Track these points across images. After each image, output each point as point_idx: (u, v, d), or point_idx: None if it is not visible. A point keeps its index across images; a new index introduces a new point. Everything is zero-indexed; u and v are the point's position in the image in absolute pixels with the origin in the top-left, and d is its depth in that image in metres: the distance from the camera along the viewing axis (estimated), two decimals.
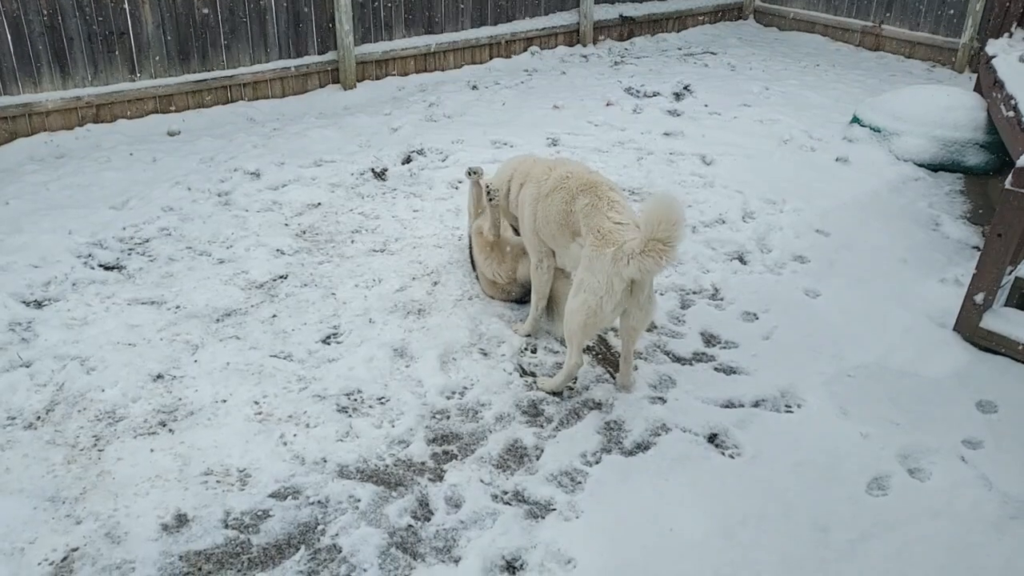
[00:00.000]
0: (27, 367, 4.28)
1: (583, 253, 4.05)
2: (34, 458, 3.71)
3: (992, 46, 7.80)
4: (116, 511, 3.43)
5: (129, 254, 5.49)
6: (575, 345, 4.14)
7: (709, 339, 4.84)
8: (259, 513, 3.47)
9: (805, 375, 4.45)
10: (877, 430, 4.04)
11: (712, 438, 4.01)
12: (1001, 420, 4.16)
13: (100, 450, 3.77)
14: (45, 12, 6.93)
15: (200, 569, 3.20)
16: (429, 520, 3.49)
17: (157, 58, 7.64)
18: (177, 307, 4.89)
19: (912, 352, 4.68)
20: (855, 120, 8.06)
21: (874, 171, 7.23)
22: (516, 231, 4.96)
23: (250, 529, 3.39)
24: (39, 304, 4.87)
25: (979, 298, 4.64)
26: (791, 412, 4.21)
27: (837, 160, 7.45)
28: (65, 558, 3.22)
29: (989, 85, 7.40)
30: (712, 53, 11.22)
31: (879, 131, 7.72)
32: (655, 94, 9.25)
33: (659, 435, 3.99)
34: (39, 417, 3.97)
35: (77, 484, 3.58)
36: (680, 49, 11.43)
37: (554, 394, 4.29)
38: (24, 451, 3.75)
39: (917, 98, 7.76)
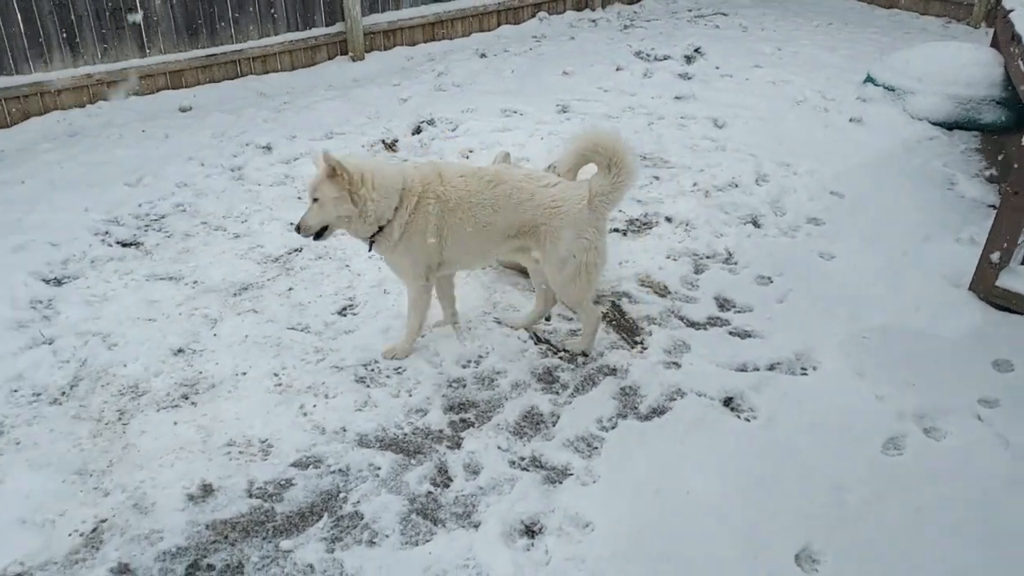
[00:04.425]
0: (49, 344, 4.35)
1: (550, 229, 3.97)
2: (60, 433, 3.78)
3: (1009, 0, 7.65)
4: (143, 483, 3.51)
5: (145, 230, 5.54)
6: (586, 303, 4.19)
7: (723, 303, 4.84)
8: (282, 482, 3.54)
9: (820, 337, 4.45)
10: (893, 391, 4.05)
11: (728, 401, 4.03)
12: (1017, 378, 4.16)
13: (125, 424, 3.85)
14: None
15: (226, 537, 3.28)
16: (448, 487, 3.54)
17: (167, 35, 7.62)
18: (195, 282, 4.94)
19: (927, 312, 4.67)
20: (869, 79, 7.96)
21: (888, 131, 7.16)
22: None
23: (274, 498, 3.46)
24: (59, 282, 4.93)
25: (995, 257, 4.62)
26: (806, 374, 4.23)
27: (851, 120, 7.38)
28: (95, 529, 3.30)
29: (1007, 40, 7.28)
30: (723, 14, 11.08)
31: (893, 90, 7.63)
32: (665, 57, 9.16)
33: (674, 400, 4.02)
34: (64, 393, 4.04)
35: (103, 457, 3.65)
36: (691, 11, 11.29)
37: (583, 355, 4.35)
38: (50, 426, 3.82)
39: (932, 55, 7.65)
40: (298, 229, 3.92)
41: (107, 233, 5.45)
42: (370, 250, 4.12)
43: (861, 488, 3.49)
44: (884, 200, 5.98)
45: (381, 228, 3.97)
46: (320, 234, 3.95)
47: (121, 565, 3.14)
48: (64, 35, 7.10)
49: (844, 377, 4.17)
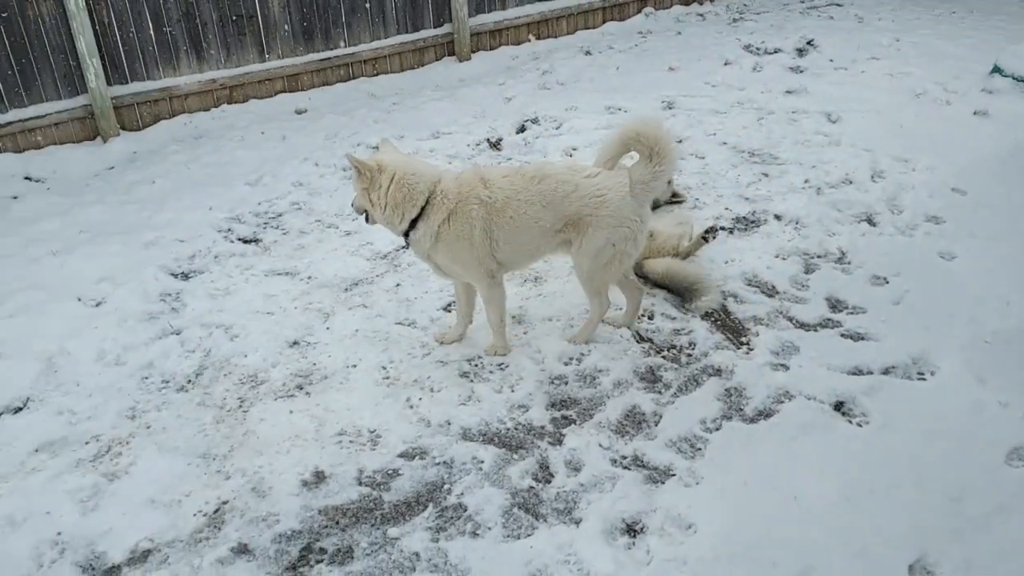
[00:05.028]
0: (177, 334, 4.64)
1: (595, 219, 4.01)
2: (187, 418, 4.03)
3: None
4: (261, 468, 3.70)
5: (264, 228, 5.82)
6: (604, 292, 4.28)
7: (835, 304, 4.70)
8: (390, 472, 3.66)
9: (939, 341, 4.26)
10: (1017, 398, 3.83)
11: (838, 406, 3.91)
12: None
13: (245, 411, 4.06)
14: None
15: (337, 523, 3.42)
16: (550, 482, 3.58)
17: (285, 40, 7.97)
18: (309, 277, 5.16)
19: None
20: (996, 70, 7.53)
21: (1017, 124, 6.76)
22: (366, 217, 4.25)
23: (382, 487, 3.59)
24: (186, 276, 5.25)
25: None
26: (923, 380, 4.06)
27: (975, 113, 7.01)
28: (217, 510, 3.50)
29: None
30: (838, 4, 10.71)
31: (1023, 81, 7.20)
32: (776, 50, 8.92)
33: (782, 402, 3.93)
34: (189, 380, 4.31)
35: (225, 442, 3.87)
36: (803, 2, 10.96)
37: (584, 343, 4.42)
38: (178, 412, 4.08)
39: None
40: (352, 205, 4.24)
41: (229, 230, 5.76)
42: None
43: (981, 499, 3.33)
44: (1011, 197, 5.65)
45: (408, 233, 4.06)
46: (367, 219, 4.20)
47: (240, 545, 3.32)
48: (190, 42, 7.52)
49: (964, 383, 3.97)
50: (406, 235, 4.10)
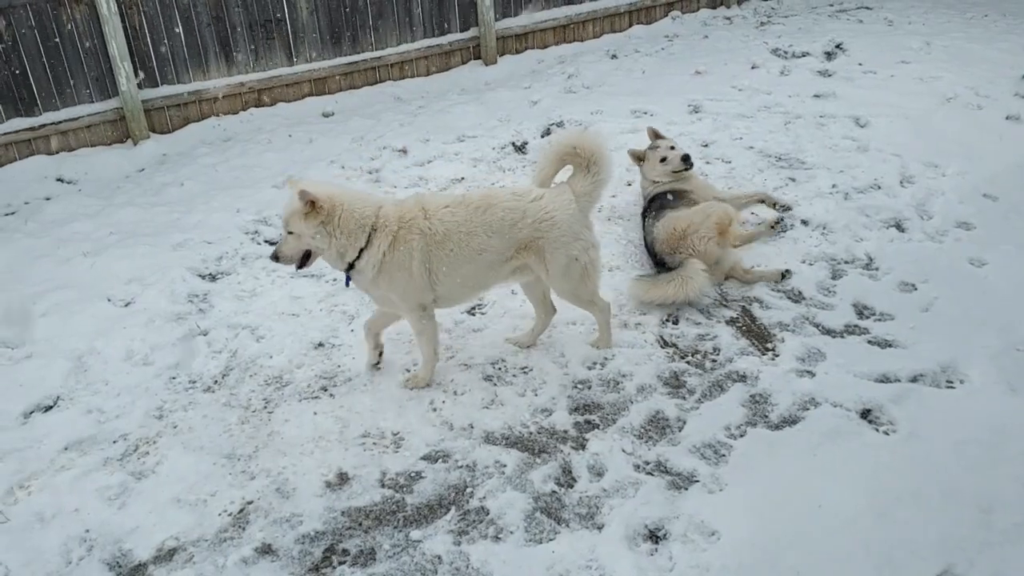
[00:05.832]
0: (204, 335, 4.69)
1: (548, 241, 4.00)
2: (213, 418, 4.08)
3: None
4: (285, 469, 3.73)
5: None
6: (596, 299, 4.29)
7: (862, 311, 4.65)
8: (412, 474, 3.67)
9: (969, 349, 4.20)
10: None
11: (865, 413, 3.87)
12: None
13: (270, 412, 4.10)
14: (211, 4, 7.45)
15: (360, 524, 3.43)
16: (572, 487, 3.57)
17: (312, 44, 8.04)
18: (334, 280, 5.19)
19: None
20: None
21: None
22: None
23: (404, 489, 3.60)
24: (213, 277, 5.30)
25: None
26: (952, 388, 4.00)
27: (1008, 118, 6.89)
28: (241, 510, 3.53)
29: None
30: (867, 8, 10.59)
31: None
32: (804, 54, 8.84)
33: (807, 409, 3.89)
34: (216, 381, 4.35)
35: (250, 443, 3.90)
36: (832, 5, 10.86)
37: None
38: (204, 412, 4.12)
39: None
40: (276, 259, 3.96)
41: (256, 232, 5.81)
42: (347, 284, 4.14)
43: (1011, 511, 3.27)
44: None
45: (352, 264, 3.94)
46: (303, 263, 3.97)
47: (264, 545, 3.35)
48: (220, 46, 7.61)
49: (995, 392, 3.91)
50: (350, 267, 3.96)
